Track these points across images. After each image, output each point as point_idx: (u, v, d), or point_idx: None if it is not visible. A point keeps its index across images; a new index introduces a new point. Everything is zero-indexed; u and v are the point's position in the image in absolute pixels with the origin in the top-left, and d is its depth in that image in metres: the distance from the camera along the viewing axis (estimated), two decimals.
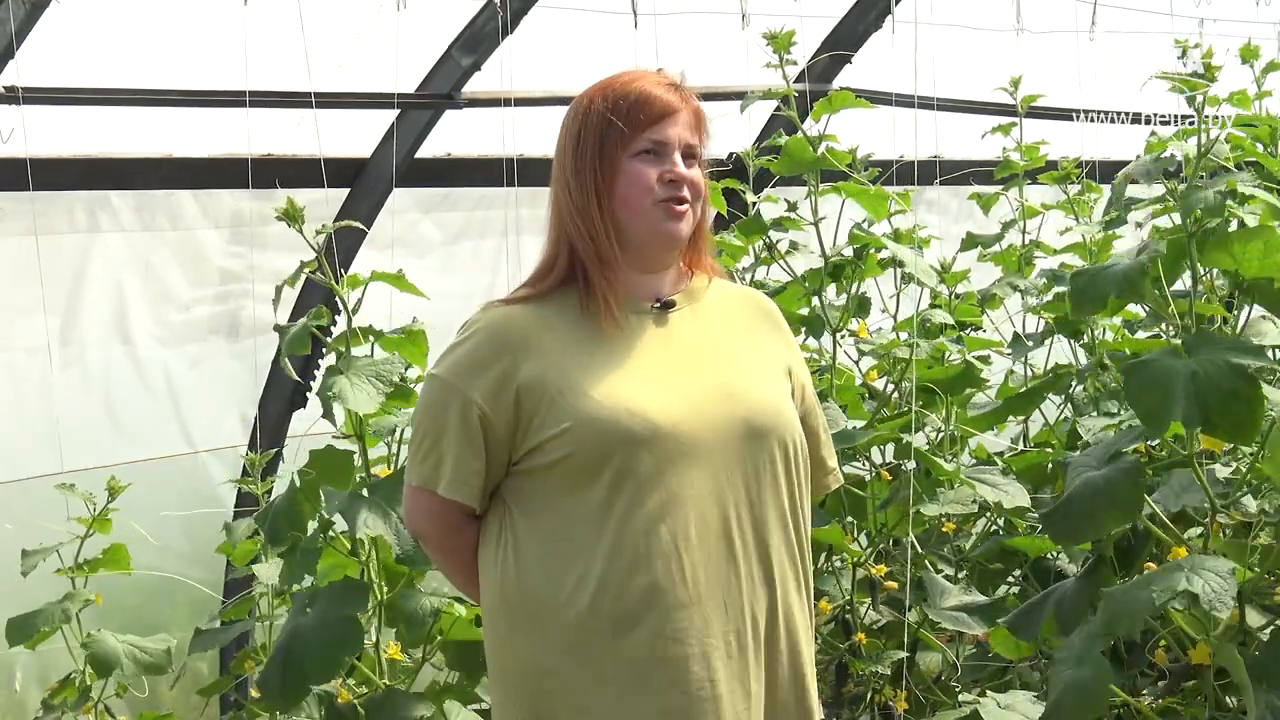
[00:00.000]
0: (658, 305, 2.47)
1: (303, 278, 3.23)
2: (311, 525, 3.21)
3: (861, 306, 3.81)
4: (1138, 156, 2.99)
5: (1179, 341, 2.76)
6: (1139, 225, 3.11)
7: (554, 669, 2.37)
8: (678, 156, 2.44)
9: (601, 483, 2.34)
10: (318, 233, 3.16)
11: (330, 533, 3.20)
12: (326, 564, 3.22)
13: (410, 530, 2.63)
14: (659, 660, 2.34)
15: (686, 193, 2.44)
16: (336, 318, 3.47)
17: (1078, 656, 2.78)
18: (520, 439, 2.40)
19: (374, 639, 3.25)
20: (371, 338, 3.20)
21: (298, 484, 3.20)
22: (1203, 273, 3.06)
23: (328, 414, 3.06)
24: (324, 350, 3.29)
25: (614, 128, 2.41)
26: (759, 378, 2.49)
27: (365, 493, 3.09)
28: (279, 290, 3.17)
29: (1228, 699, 3.03)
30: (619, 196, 2.42)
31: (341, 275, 3.23)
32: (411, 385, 3.21)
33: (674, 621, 2.34)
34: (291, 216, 3.11)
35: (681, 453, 2.35)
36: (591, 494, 2.35)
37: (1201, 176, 2.85)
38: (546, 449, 2.37)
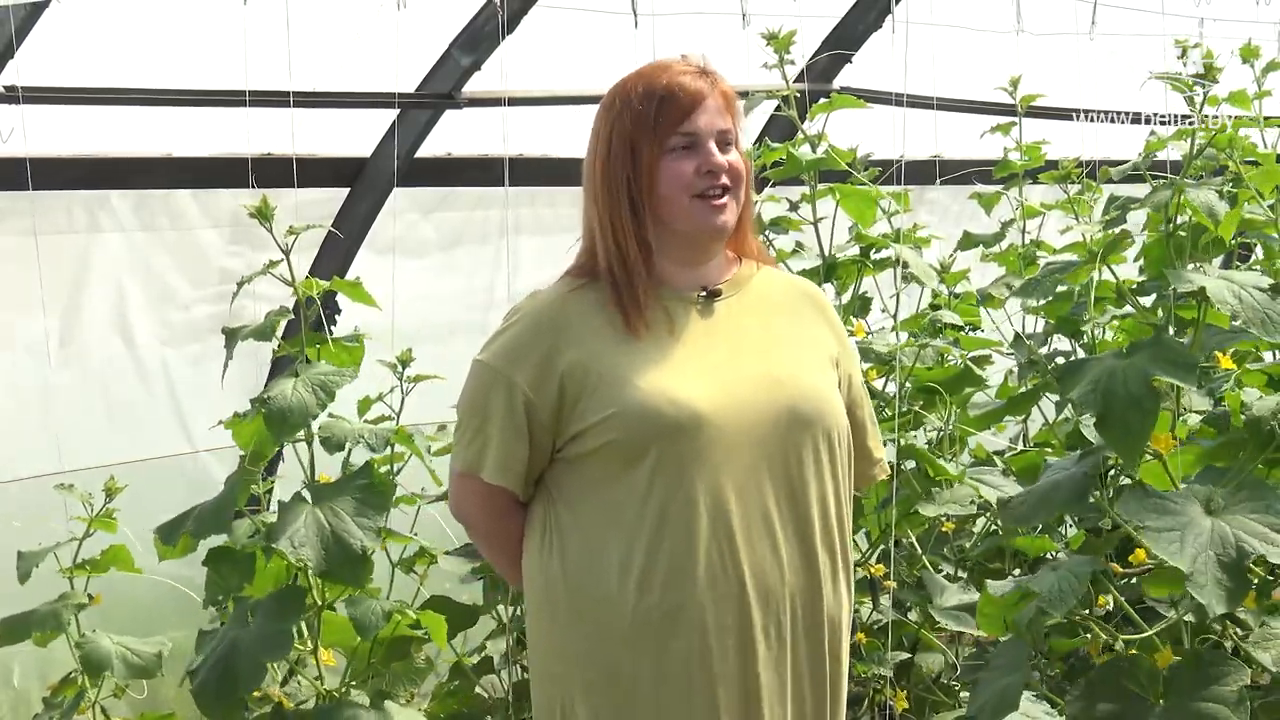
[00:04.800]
0: (704, 295, 2.46)
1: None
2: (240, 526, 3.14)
3: (863, 306, 3.80)
4: (1140, 155, 2.99)
5: (1127, 342, 2.76)
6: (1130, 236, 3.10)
7: (600, 662, 2.39)
8: (712, 145, 2.41)
9: (643, 471, 2.34)
10: (288, 233, 3.11)
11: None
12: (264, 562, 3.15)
13: (456, 515, 2.60)
14: (702, 652, 2.35)
15: (726, 180, 2.42)
16: (337, 317, 3.47)
17: (1009, 666, 2.80)
18: (563, 425, 2.40)
19: (311, 645, 3.17)
20: (317, 344, 3.15)
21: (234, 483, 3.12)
22: None
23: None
24: (276, 352, 3.23)
25: (643, 127, 2.38)
26: (804, 366, 2.48)
27: (308, 496, 3.03)
28: (239, 287, 3.14)
29: None
30: (660, 197, 2.40)
31: (305, 276, 3.18)
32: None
33: (718, 614, 2.35)
34: (262, 214, 3.08)
35: (723, 442, 2.35)
36: (633, 482, 2.35)
37: (1200, 176, 2.84)
38: (589, 435, 2.38)
